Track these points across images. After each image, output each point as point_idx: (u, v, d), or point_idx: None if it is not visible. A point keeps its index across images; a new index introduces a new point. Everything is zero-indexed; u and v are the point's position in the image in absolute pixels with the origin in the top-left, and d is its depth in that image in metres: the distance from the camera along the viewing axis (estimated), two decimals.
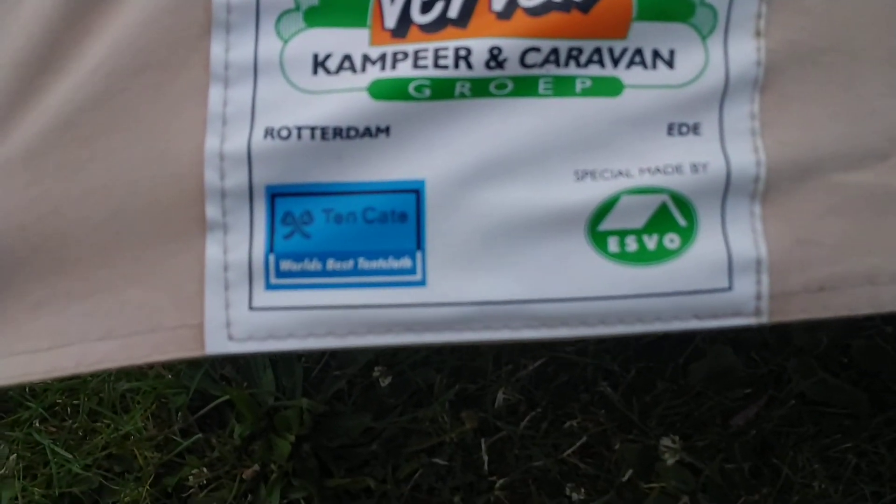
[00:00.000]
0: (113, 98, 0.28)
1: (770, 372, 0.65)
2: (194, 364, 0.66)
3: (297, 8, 0.29)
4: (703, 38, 0.30)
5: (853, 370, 0.64)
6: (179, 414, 0.68)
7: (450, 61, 0.28)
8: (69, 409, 0.69)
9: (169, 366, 0.67)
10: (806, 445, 0.61)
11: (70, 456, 0.65)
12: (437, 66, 0.28)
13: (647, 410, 0.64)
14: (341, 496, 0.65)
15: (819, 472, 0.60)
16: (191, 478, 0.65)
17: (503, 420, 0.65)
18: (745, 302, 0.29)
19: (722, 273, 0.29)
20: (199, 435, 0.66)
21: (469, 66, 0.28)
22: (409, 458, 0.65)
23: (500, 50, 0.28)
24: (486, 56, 0.28)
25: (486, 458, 0.64)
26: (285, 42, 0.29)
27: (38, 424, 0.68)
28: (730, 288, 0.29)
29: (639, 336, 0.30)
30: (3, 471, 0.66)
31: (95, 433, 0.67)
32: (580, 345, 0.66)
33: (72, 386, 0.68)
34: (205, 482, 0.66)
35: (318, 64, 0.29)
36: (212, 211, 0.28)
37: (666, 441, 0.62)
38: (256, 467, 0.65)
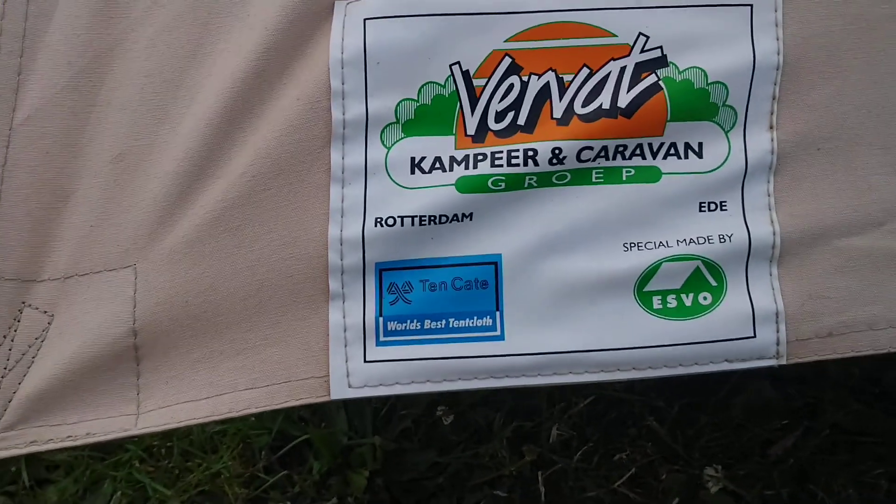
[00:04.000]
0: (255, 197, 0.36)
1: (806, 405, 0.70)
2: None
3: (397, 121, 0.36)
4: (726, 132, 0.36)
5: (886, 400, 0.69)
6: (263, 453, 0.75)
7: (520, 160, 0.35)
8: (164, 451, 0.76)
9: None
10: (841, 472, 0.66)
11: (168, 492, 0.72)
12: (510, 164, 0.35)
13: (692, 442, 0.69)
14: None
15: (853, 497, 0.65)
16: None
17: (558, 454, 0.71)
18: (767, 347, 0.36)
19: (747, 324, 0.36)
20: (283, 472, 0.73)
21: (536, 163, 0.35)
22: (472, 490, 0.71)
23: (560, 150, 0.35)
24: (549, 155, 0.35)
25: (542, 489, 0.70)
26: (388, 149, 0.36)
27: (137, 465, 0.75)
28: (754, 336, 0.36)
29: (681, 376, 0.37)
30: None
31: (189, 472, 0.75)
32: (627, 383, 0.71)
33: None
34: None
35: (415, 165, 0.36)
36: (334, 284, 0.35)
37: (709, 470, 0.67)
38: (335, 500, 0.71)
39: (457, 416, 0.73)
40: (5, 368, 0.35)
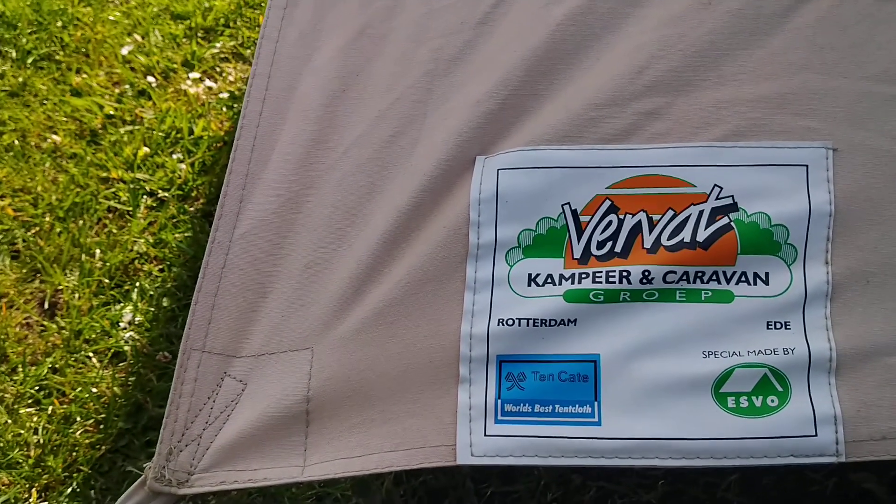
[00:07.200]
0: (408, 299, 0.46)
1: None
2: None
3: (519, 246, 0.46)
4: (789, 265, 0.44)
5: None
6: None
7: (616, 279, 0.44)
8: None
9: None
10: None
11: None
12: (608, 282, 0.44)
13: None
14: None
15: None
16: None
17: None
18: (827, 445, 0.42)
19: (809, 424, 0.42)
20: None
21: (629, 282, 0.44)
22: None
23: (649, 272, 0.44)
24: (640, 276, 0.44)
25: None
26: (511, 266, 0.46)
27: None
28: (816, 435, 0.42)
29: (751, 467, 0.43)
30: None
31: None
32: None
33: None
34: None
35: (531, 280, 0.46)
36: (463, 371, 0.45)
37: None
38: None
39: None
40: (207, 423, 0.45)
